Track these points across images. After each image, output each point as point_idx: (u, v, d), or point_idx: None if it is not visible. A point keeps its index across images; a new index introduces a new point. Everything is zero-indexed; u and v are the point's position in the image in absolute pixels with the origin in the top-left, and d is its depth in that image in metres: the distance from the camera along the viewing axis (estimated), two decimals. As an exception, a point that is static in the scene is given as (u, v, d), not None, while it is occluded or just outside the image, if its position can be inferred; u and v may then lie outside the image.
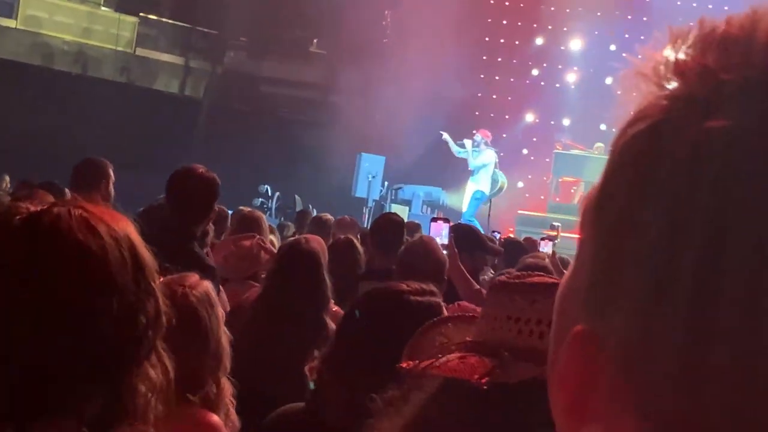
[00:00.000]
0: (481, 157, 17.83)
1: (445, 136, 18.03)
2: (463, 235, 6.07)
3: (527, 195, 21.55)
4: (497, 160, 18.23)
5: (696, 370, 0.54)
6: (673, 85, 0.59)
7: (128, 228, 1.55)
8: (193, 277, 2.97)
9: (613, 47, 21.35)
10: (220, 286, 5.37)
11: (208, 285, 2.98)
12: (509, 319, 1.54)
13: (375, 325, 2.56)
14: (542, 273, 1.72)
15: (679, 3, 21.51)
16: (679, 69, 0.59)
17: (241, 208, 7.69)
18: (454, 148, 18.01)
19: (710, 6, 19.49)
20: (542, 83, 23.07)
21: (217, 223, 7.77)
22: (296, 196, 18.15)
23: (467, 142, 17.90)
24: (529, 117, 23.07)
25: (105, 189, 6.29)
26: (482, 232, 6.57)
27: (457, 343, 1.62)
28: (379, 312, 2.60)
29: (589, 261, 0.62)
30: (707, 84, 0.56)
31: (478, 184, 17.79)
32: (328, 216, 9.38)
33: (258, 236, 6.19)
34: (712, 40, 0.59)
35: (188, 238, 4.71)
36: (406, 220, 11.56)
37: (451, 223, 6.55)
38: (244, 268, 5.73)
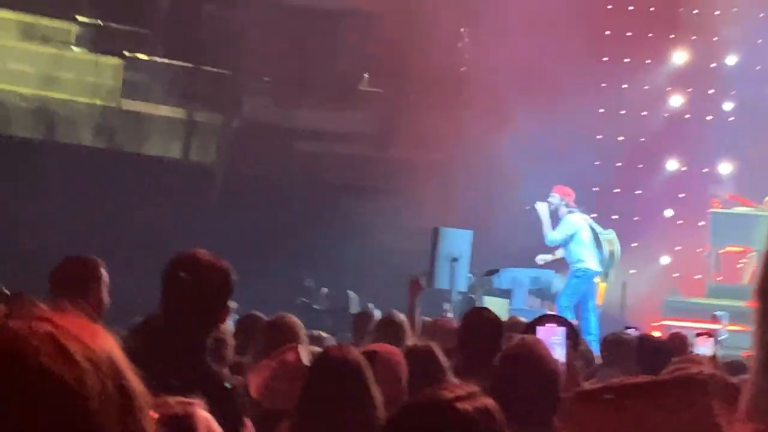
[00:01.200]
0: (562, 226, 17.71)
1: (540, 208, 17.96)
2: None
3: (676, 274, 21.34)
4: (591, 221, 18.09)
5: None
6: None
7: (110, 346, 1.55)
8: (185, 406, 3.04)
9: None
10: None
11: (204, 418, 3.03)
12: None
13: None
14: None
15: None
16: None
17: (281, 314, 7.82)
18: (547, 229, 17.93)
19: None
20: (687, 116, 22.93)
21: (248, 334, 7.93)
22: (349, 292, 18.19)
23: (541, 207, 17.83)
24: (672, 165, 22.91)
25: (95, 296, 6.42)
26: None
27: None
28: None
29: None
30: None
31: (579, 262, 17.63)
32: (400, 317, 9.42)
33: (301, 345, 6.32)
34: None
35: (195, 349, 4.79)
36: (506, 318, 11.62)
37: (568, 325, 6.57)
38: (294, 392, 5.78)
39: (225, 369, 5.57)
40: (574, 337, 6.46)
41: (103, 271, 6.57)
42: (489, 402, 2.94)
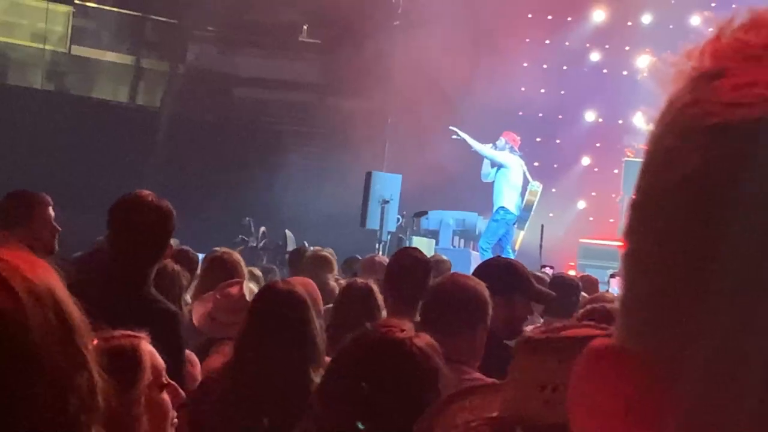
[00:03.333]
0: (500, 157, 17.80)
1: (458, 132, 18.04)
2: (496, 272, 5.95)
3: (591, 219, 21.54)
4: (525, 168, 18.23)
5: None
6: None
7: (51, 279, 1.53)
8: (131, 339, 3.00)
9: (696, 19, 21.42)
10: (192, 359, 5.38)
11: (149, 352, 3.02)
12: (538, 386, 1.60)
13: (377, 384, 2.62)
14: (593, 323, 1.77)
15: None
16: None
17: (215, 249, 7.82)
18: (476, 144, 17.98)
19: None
20: (605, 71, 23.09)
21: (185, 270, 7.92)
22: (287, 231, 18.16)
23: (486, 148, 17.95)
24: (590, 116, 23.07)
25: (40, 229, 6.36)
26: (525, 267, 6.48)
27: (482, 420, 1.68)
28: (378, 366, 2.64)
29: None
30: None
31: (500, 199, 17.76)
32: (329, 253, 9.41)
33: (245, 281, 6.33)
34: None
35: (139, 282, 4.86)
36: (434, 255, 11.67)
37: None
38: (235, 324, 5.80)
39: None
40: (514, 274, 6.42)
41: (49, 208, 6.52)
42: (430, 339, 2.98)
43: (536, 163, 20.46)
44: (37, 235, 6.21)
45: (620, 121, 22.89)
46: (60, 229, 6.46)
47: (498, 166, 17.81)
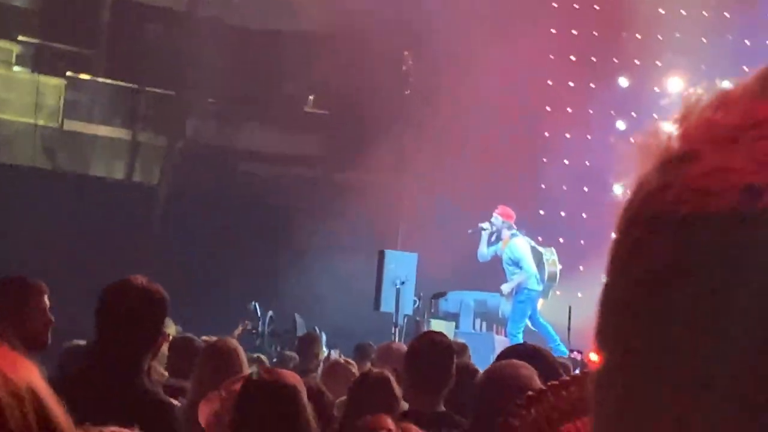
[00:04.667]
0: (509, 249, 17.85)
1: (483, 227, 18.08)
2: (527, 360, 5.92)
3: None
4: (533, 243, 18.25)
5: None
6: None
7: (33, 377, 1.50)
8: None
9: (727, 86, 21.33)
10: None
11: None
12: None
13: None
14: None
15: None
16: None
17: (204, 338, 7.82)
18: (483, 248, 18.08)
19: None
20: (632, 139, 23.08)
21: (182, 356, 7.80)
22: (296, 316, 18.13)
23: (484, 227, 18.00)
24: (618, 188, 23.00)
25: (35, 318, 6.25)
26: (552, 355, 6.37)
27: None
28: None
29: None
30: None
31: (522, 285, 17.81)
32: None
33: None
34: None
35: (131, 373, 4.90)
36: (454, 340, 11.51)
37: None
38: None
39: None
40: (542, 363, 6.29)
41: (45, 296, 6.42)
42: None
43: (561, 239, 20.37)
44: (29, 326, 6.10)
45: None
46: (53, 321, 6.34)
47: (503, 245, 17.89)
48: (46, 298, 6.34)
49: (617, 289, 0.76)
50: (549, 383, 1.95)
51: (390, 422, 3.31)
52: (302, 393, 4.78)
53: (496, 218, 18.10)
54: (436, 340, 6.52)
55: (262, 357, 11.27)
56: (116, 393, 4.66)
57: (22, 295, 6.30)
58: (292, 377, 5.00)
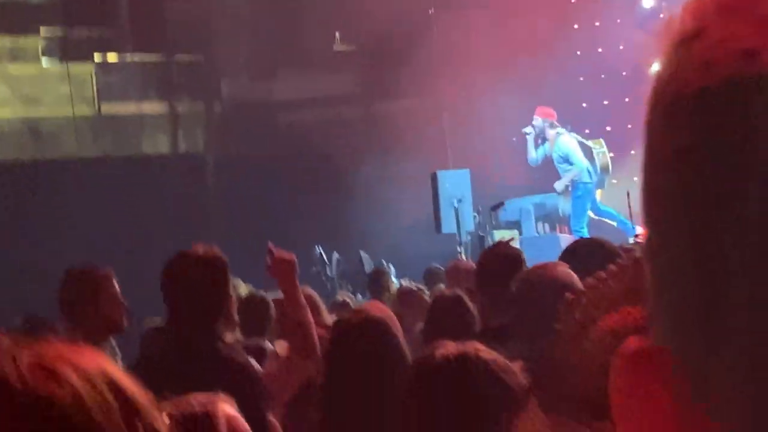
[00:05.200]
0: (557, 147, 17.84)
1: (526, 131, 18.12)
2: (587, 255, 5.65)
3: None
4: (579, 138, 18.21)
5: None
6: None
7: (101, 362, 1.51)
8: (206, 404, 2.95)
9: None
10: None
11: (227, 416, 2.96)
12: None
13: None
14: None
15: None
16: None
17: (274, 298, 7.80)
18: (532, 152, 18.13)
19: None
20: (662, 15, 22.87)
21: (257, 317, 7.87)
22: (362, 253, 18.22)
23: (527, 131, 18.01)
24: (656, 66, 22.89)
25: (110, 304, 6.37)
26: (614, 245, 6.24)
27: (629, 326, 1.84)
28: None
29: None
30: None
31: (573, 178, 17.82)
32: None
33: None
34: None
35: (205, 340, 4.94)
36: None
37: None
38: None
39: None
40: (604, 252, 6.24)
41: (114, 281, 6.52)
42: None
43: (608, 128, 20.32)
44: (105, 313, 6.24)
45: None
46: (126, 304, 6.48)
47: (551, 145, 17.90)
48: (115, 283, 6.49)
49: (650, 172, 0.78)
50: (586, 284, 2.09)
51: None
52: (392, 325, 4.73)
53: (537, 120, 18.11)
54: (501, 252, 6.46)
55: (347, 299, 11.21)
56: (195, 364, 4.71)
57: (94, 283, 6.44)
58: (379, 311, 4.96)
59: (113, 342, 6.70)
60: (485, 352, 3.37)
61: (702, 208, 0.70)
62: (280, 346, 6.80)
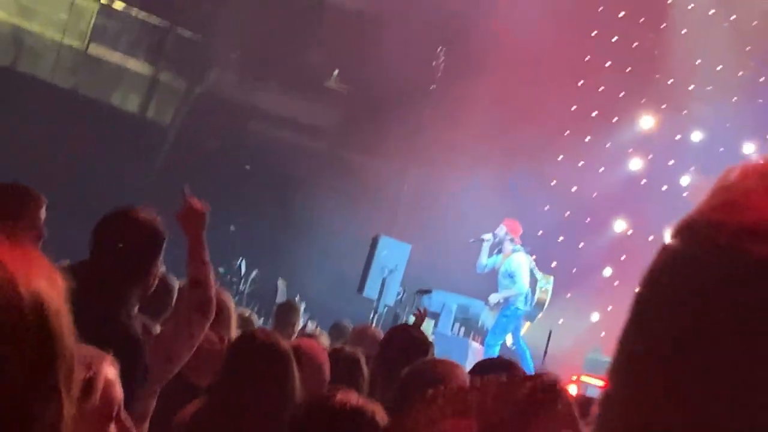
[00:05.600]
0: (508, 262, 17.83)
1: (485, 238, 18.10)
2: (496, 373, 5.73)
3: (603, 334, 21.47)
4: (533, 265, 18.24)
5: None
6: None
7: (41, 283, 1.49)
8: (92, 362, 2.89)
9: (749, 148, 21.57)
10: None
11: (103, 370, 2.91)
12: None
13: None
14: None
15: None
16: None
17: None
18: (484, 258, 18.10)
19: None
20: (644, 181, 23.18)
21: (157, 296, 7.84)
22: (280, 280, 18.15)
23: (486, 238, 17.98)
24: (619, 225, 23.09)
25: (28, 227, 6.26)
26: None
27: None
28: None
29: None
30: None
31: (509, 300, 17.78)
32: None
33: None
34: None
35: (116, 303, 4.81)
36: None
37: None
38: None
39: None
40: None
41: (42, 209, 6.36)
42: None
43: (554, 264, 20.46)
44: (28, 228, 6.08)
45: (651, 238, 22.89)
46: (45, 234, 6.36)
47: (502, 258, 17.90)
48: (43, 211, 6.30)
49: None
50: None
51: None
52: (293, 361, 4.80)
53: (501, 229, 18.01)
54: (414, 335, 6.51)
55: (253, 317, 11.16)
56: (94, 320, 4.54)
57: (22, 201, 6.25)
58: (286, 344, 5.01)
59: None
60: (381, 416, 3.41)
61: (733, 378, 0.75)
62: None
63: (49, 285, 1.49)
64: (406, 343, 6.23)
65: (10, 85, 19.88)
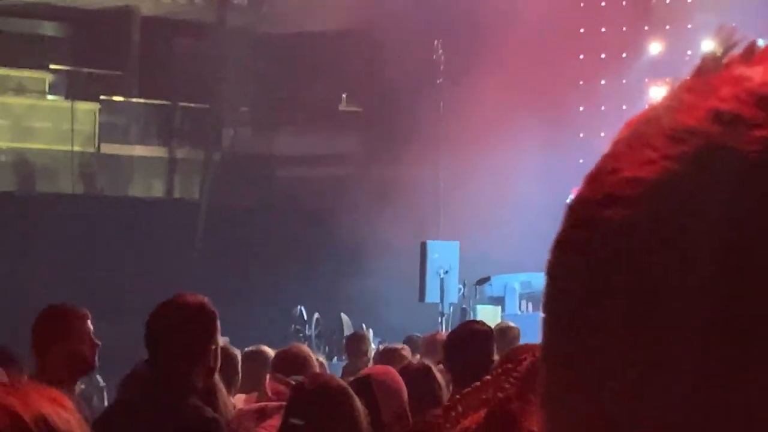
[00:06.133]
0: None
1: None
2: None
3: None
4: None
5: None
6: None
7: (44, 406, 1.57)
8: None
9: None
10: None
11: None
12: None
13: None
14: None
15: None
16: None
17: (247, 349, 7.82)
18: None
19: None
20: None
21: (223, 370, 7.95)
22: (342, 315, 18.24)
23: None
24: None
25: (80, 342, 6.41)
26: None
27: None
28: None
29: None
30: None
31: None
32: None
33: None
34: None
35: (182, 392, 4.84)
36: (499, 323, 11.63)
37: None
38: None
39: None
40: None
41: (88, 321, 6.54)
42: None
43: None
44: (76, 350, 6.22)
45: None
46: (99, 343, 6.53)
47: None
48: (89, 323, 6.37)
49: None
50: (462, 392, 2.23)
51: None
52: (349, 394, 4.70)
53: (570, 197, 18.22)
54: (473, 329, 6.48)
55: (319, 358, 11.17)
56: (166, 413, 4.67)
57: (66, 320, 6.34)
58: (336, 380, 5.00)
59: (98, 378, 6.64)
60: None
61: None
62: (239, 400, 6.89)
63: (54, 407, 1.57)
64: (465, 338, 6.21)
65: (32, 208, 20.05)
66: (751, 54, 0.71)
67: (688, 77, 0.71)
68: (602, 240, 0.67)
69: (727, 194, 0.64)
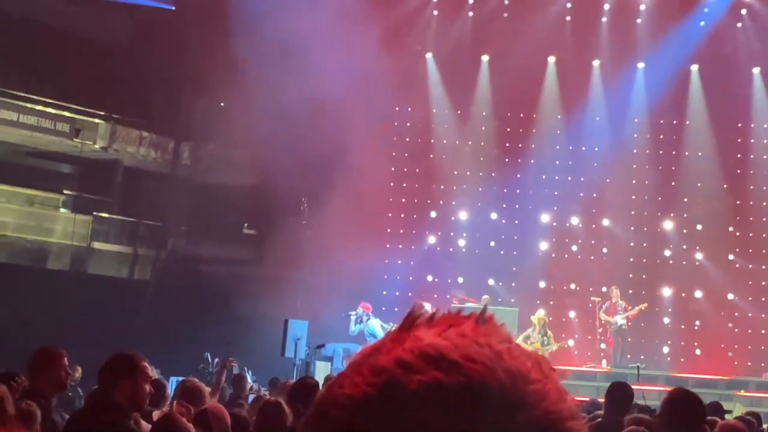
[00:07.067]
0: (369, 327, 18.09)
1: (351, 313, 18.43)
2: None
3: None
4: (384, 326, 18.12)
5: None
6: None
7: None
8: None
9: (494, 215, 22.21)
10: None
11: None
12: None
13: None
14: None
15: (543, 177, 22.40)
16: None
17: (184, 379, 7.40)
18: (352, 326, 18.42)
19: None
20: (438, 248, 23.23)
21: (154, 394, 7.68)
22: (233, 360, 18.04)
23: (351, 313, 18.35)
24: (429, 277, 23.05)
25: (58, 371, 5.98)
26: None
27: None
28: None
29: None
30: None
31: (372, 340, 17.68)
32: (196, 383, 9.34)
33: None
34: None
35: (121, 416, 4.53)
36: (328, 375, 11.73)
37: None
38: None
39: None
40: None
41: (63, 357, 5.92)
42: None
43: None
44: (56, 376, 5.81)
45: (449, 280, 23.02)
46: (71, 372, 6.21)
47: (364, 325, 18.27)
48: (65, 359, 5.94)
49: None
50: None
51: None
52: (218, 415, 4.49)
53: (359, 310, 18.36)
54: (306, 382, 6.21)
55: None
56: (107, 427, 4.32)
57: (49, 357, 5.90)
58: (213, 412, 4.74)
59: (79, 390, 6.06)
60: None
61: None
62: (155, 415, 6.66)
63: None
64: (302, 390, 5.86)
65: (44, 278, 19.81)
66: (432, 320, 0.68)
67: (395, 329, 0.70)
68: (328, 429, 0.63)
69: (399, 414, 0.62)
